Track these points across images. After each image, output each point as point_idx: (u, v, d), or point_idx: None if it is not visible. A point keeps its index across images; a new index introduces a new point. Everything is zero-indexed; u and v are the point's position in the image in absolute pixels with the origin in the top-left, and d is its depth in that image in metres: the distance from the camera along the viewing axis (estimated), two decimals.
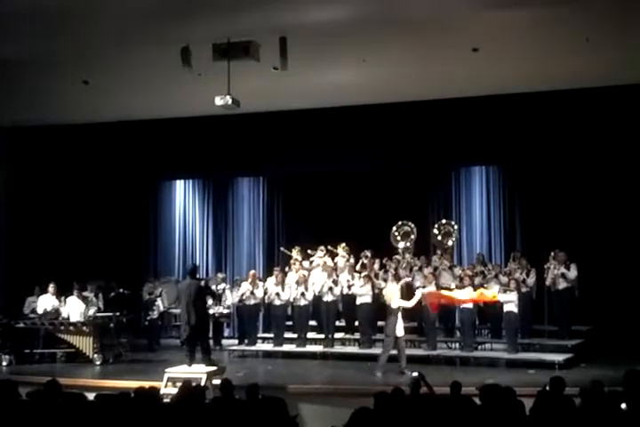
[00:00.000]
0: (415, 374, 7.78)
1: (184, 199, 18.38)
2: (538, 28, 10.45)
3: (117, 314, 13.83)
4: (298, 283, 14.37)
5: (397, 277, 13.98)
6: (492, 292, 12.85)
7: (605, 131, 13.45)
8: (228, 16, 10.05)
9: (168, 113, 14.72)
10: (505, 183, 15.76)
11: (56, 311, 13.85)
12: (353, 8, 10.01)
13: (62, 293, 14.09)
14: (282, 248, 16.03)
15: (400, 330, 11.92)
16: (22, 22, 10.16)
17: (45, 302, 13.98)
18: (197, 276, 11.54)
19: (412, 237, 14.84)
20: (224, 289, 15.11)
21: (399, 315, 11.92)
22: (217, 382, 10.18)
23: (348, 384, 11.04)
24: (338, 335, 14.44)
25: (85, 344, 13.34)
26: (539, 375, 10.92)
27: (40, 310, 13.86)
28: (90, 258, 16.07)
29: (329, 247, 15.17)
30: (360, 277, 14.05)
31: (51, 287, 14.08)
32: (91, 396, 6.98)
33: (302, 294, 14.28)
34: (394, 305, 11.93)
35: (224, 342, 15.36)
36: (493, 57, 11.47)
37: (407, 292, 13.58)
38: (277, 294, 14.42)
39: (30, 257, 15.86)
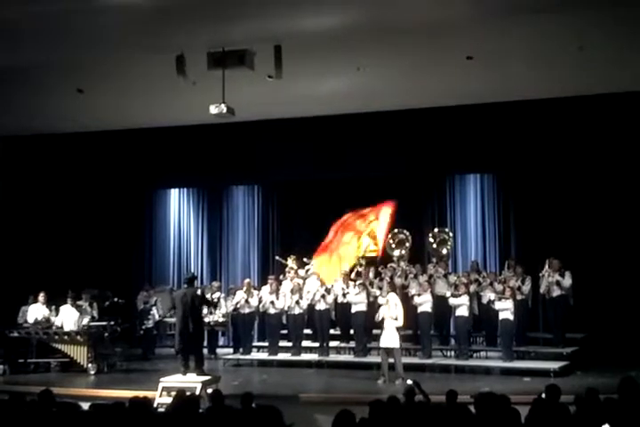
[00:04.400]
0: (410, 382, 7.76)
1: (179, 208, 18.38)
2: (532, 36, 10.48)
3: (112, 323, 13.79)
4: (292, 291, 14.36)
5: (392, 286, 13.98)
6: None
7: (600, 138, 13.48)
8: (223, 25, 10.06)
9: (163, 121, 14.71)
10: (499, 191, 15.79)
11: (47, 320, 13.83)
12: (348, 16, 10.03)
13: (57, 302, 14.06)
14: (277, 257, 16.01)
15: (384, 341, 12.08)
16: (16, 30, 10.16)
17: (36, 311, 13.95)
18: (195, 285, 11.50)
19: (407, 244, 14.84)
20: (219, 298, 15.06)
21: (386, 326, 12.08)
22: (212, 391, 10.18)
23: (343, 393, 11.02)
24: (333, 344, 14.41)
25: (80, 354, 13.31)
26: (534, 383, 10.93)
27: (31, 320, 13.84)
28: (84, 267, 16.03)
29: None
30: (355, 286, 14.05)
31: (41, 296, 14.07)
32: (85, 405, 6.96)
33: (297, 303, 14.26)
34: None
35: (219, 350, 15.34)
36: (487, 65, 11.50)
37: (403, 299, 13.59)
38: (272, 303, 14.42)
39: (24, 266, 15.80)
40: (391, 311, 12.05)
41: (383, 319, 12.09)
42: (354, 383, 11.90)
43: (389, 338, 11.97)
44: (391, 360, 12.02)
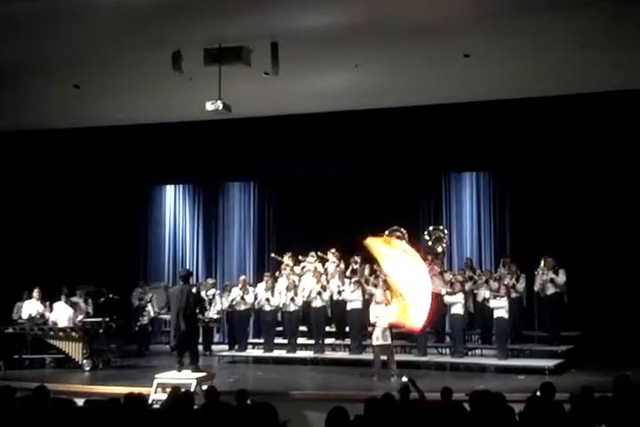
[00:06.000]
0: (405, 379, 7.76)
1: (174, 204, 18.35)
2: (530, 33, 10.48)
3: (107, 319, 13.78)
4: (288, 288, 14.35)
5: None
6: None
7: (596, 137, 13.48)
8: (220, 21, 10.05)
9: (159, 118, 14.68)
10: (495, 189, 15.78)
11: (42, 316, 13.80)
12: (345, 13, 10.02)
13: (52, 298, 14.04)
14: (273, 254, 16.00)
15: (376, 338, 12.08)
16: (12, 26, 10.13)
17: (30, 307, 13.93)
18: (190, 282, 11.47)
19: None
20: (214, 295, 15.07)
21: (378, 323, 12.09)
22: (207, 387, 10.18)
23: (338, 390, 11.02)
24: (328, 341, 14.42)
25: (75, 350, 13.29)
26: (529, 381, 10.93)
27: (25, 316, 13.80)
28: (79, 263, 16.00)
29: (319, 253, 15.16)
30: (350, 283, 14.04)
31: (35, 292, 14.04)
32: (80, 402, 6.97)
33: (292, 300, 14.26)
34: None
35: (214, 347, 15.32)
36: (485, 63, 11.49)
37: None
38: (267, 300, 14.41)
39: (19, 262, 15.78)
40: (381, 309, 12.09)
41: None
42: (349, 381, 11.89)
43: (381, 335, 11.98)
44: (384, 358, 12.03)
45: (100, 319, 13.78)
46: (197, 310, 12.13)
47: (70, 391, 10.14)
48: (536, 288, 13.55)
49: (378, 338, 12.01)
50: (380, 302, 12.25)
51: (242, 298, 14.64)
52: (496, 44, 10.84)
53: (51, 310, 13.92)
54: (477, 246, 15.89)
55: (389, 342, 12.05)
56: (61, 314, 13.72)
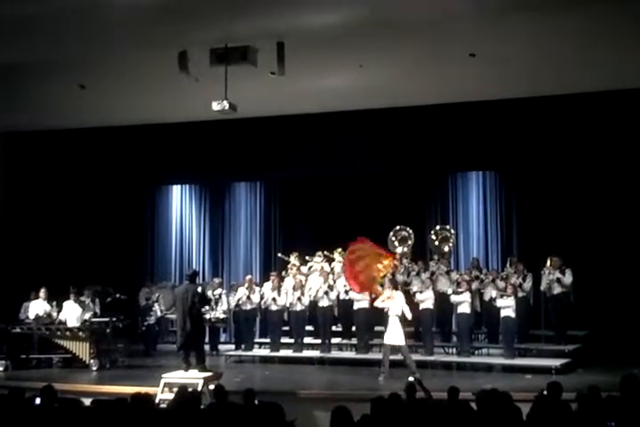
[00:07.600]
0: (411, 378, 7.77)
1: (181, 204, 18.39)
2: (534, 33, 10.47)
3: (114, 319, 13.80)
4: (294, 288, 14.36)
5: (394, 283, 13.98)
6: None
7: (602, 136, 13.46)
8: (226, 21, 10.06)
9: (165, 118, 14.72)
10: (502, 189, 15.77)
11: (48, 316, 13.83)
12: (350, 13, 10.03)
13: (58, 298, 14.07)
14: (280, 254, 16.01)
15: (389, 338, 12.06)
16: (19, 26, 10.16)
17: (37, 307, 13.96)
18: (196, 281, 11.48)
19: (410, 242, 14.84)
20: (220, 294, 15.08)
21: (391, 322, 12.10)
22: (213, 387, 10.19)
23: (345, 389, 11.03)
24: (335, 340, 14.41)
25: (82, 350, 13.32)
26: (536, 381, 10.93)
27: (32, 316, 13.83)
28: (86, 263, 16.04)
29: (325, 253, 15.17)
30: None
31: (42, 292, 14.07)
32: (87, 401, 6.98)
33: (299, 300, 14.26)
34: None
35: (221, 347, 15.34)
36: (490, 62, 11.49)
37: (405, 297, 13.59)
38: (274, 300, 14.42)
39: (26, 262, 15.82)
40: (396, 309, 12.06)
41: (387, 315, 12.12)
42: (356, 380, 11.90)
43: (395, 335, 11.95)
44: (393, 357, 11.99)
45: (107, 319, 13.80)
46: (207, 307, 12.12)
47: (77, 391, 10.15)
48: (542, 288, 13.54)
49: (390, 337, 12.00)
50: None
51: (248, 298, 14.65)
52: (501, 43, 10.84)
53: (59, 309, 13.95)
54: (484, 246, 15.89)
55: (403, 343, 12.01)
56: (71, 313, 13.74)
